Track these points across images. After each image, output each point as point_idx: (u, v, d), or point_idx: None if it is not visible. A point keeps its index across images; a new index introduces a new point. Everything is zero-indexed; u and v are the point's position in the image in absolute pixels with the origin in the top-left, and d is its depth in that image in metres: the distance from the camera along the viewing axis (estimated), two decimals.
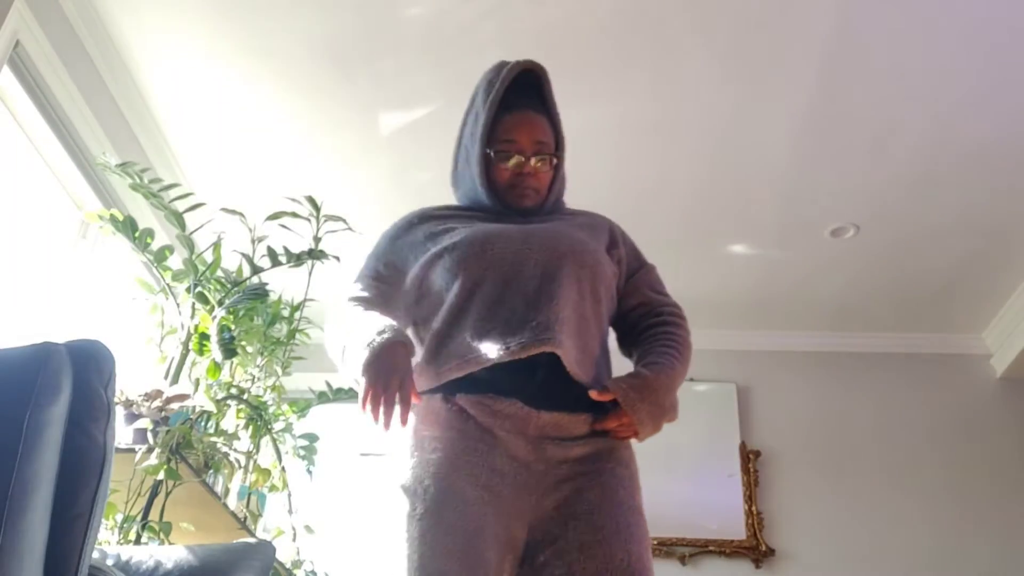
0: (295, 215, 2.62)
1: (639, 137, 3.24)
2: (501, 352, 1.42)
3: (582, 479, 1.43)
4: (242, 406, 2.55)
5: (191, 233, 2.60)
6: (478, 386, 1.44)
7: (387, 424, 1.32)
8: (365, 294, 1.59)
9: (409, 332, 1.57)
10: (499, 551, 1.35)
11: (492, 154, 1.62)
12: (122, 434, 2.23)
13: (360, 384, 1.38)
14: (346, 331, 1.49)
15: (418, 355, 1.53)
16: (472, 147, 1.64)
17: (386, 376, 1.35)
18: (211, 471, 2.35)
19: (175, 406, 2.29)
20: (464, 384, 1.45)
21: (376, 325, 1.44)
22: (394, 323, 1.45)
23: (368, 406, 1.33)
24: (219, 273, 2.61)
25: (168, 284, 2.58)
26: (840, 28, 2.79)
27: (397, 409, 1.35)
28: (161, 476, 2.14)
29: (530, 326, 1.44)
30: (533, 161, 1.63)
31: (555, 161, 1.67)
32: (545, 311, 1.46)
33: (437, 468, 1.38)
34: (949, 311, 4.19)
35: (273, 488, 2.70)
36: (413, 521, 1.34)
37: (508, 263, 1.51)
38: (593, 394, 1.46)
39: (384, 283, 1.61)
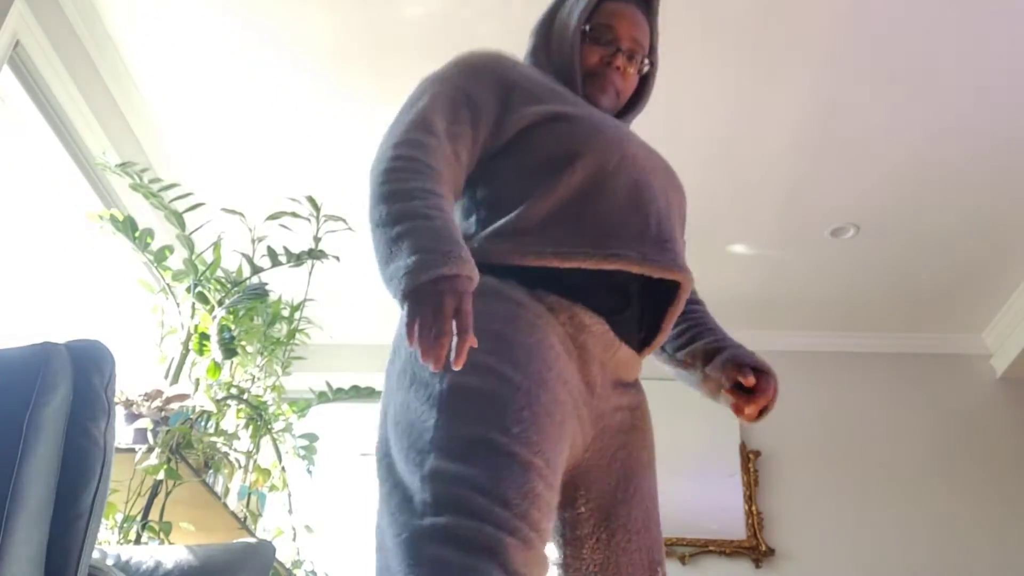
0: (295, 215, 2.62)
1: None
2: (636, 259, 1.22)
3: (632, 435, 1.29)
4: (242, 406, 2.55)
5: (191, 233, 2.60)
6: (569, 290, 1.20)
7: (439, 360, 1.01)
8: (434, 160, 1.22)
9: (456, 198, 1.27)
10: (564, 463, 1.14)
11: (587, 30, 1.46)
12: (122, 434, 2.23)
13: (401, 303, 1.06)
14: (399, 207, 1.13)
15: (473, 221, 1.27)
16: (570, 22, 1.48)
17: (438, 299, 1.03)
18: (211, 471, 2.35)
19: (175, 406, 2.29)
20: (547, 281, 1.19)
21: (438, 232, 1.09)
22: (461, 241, 1.10)
23: (416, 336, 1.02)
24: (219, 273, 2.61)
25: (168, 284, 2.58)
26: (840, 28, 2.79)
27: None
28: (161, 476, 2.14)
29: (666, 246, 1.27)
30: (623, 58, 1.48)
31: (645, 68, 1.53)
32: (675, 236, 1.31)
33: (529, 329, 1.14)
34: (949, 311, 4.19)
35: (273, 488, 2.70)
36: (494, 375, 1.07)
37: (640, 164, 1.32)
38: (748, 381, 1.35)
39: (457, 138, 1.28)
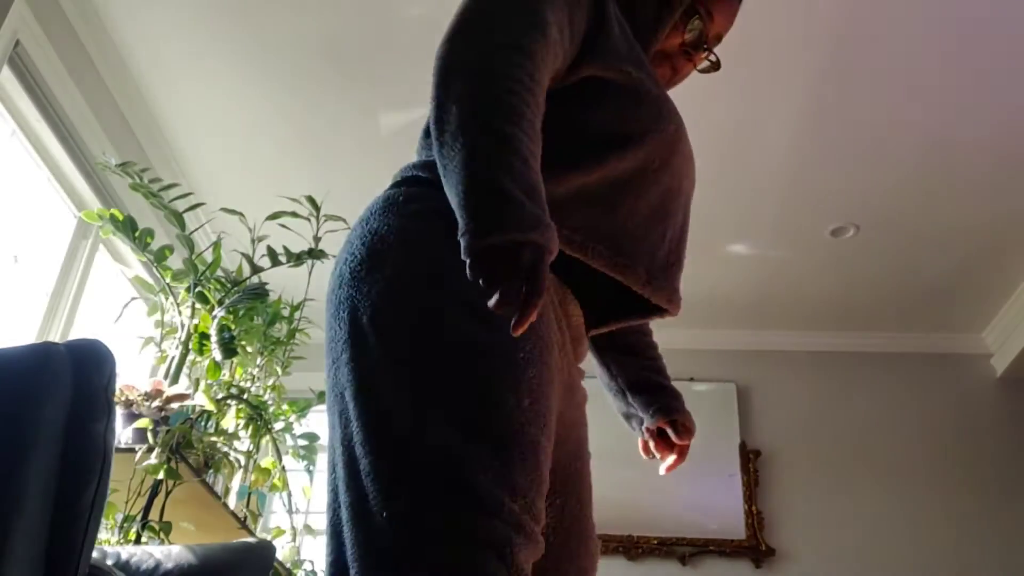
0: (295, 215, 2.62)
1: None
2: (643, 278, 1.10)
3: (583, 417, 1.21)
4: (242, 406, 2.55)
5: (191, 233, 2.60)
6: (564, 267, 1.06)
7: (525, 323, 0.85)
8: (541, 91, 0.98)
9: None
10: None
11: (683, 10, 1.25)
12: (122, 434, 2.23)
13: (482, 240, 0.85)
14: (512, 130, 0.91)
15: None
16: None
17: (538, 267, 0.86)
18: (211, 471, 2.35)
19: (175, 406, 2.29)
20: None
21: (538, 191, 0.90)
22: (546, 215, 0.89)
23: (495, 298, 0.85)
24: (219, 273, 2.61)
25: (168, 284, 2.58)
26: (840, 28, 2.79)
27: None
28: (161, 476, 2.14)
29: (671, 271, 1.18)
30: (702, 56, 1.32)
31: (701, 71, 1.33)
32: (682, 258, 1.22)
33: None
34: (949, 311, 4.19)
35: (273, 488, 2.70)
36: (506, 332, 0.88)
37: (679, 169, 1.18)
38: (681, 442, 1.37)
39: (556, 59, 1.04)
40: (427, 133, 1.15)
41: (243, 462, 2.58)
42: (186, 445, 2.25)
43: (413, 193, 1.05)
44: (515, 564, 0.86)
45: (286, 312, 2.82)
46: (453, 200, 0.90)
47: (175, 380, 2.47)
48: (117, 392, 2.23)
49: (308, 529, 2.75)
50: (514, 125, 0.91)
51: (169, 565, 1.54)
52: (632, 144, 1.09)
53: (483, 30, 0.98)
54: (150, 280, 2.93)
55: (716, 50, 1.37)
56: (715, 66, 1.36)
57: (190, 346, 2.53)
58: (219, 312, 2.49)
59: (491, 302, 0.85)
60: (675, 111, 1.19)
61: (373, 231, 1.01)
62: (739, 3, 1.36)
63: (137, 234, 2.52)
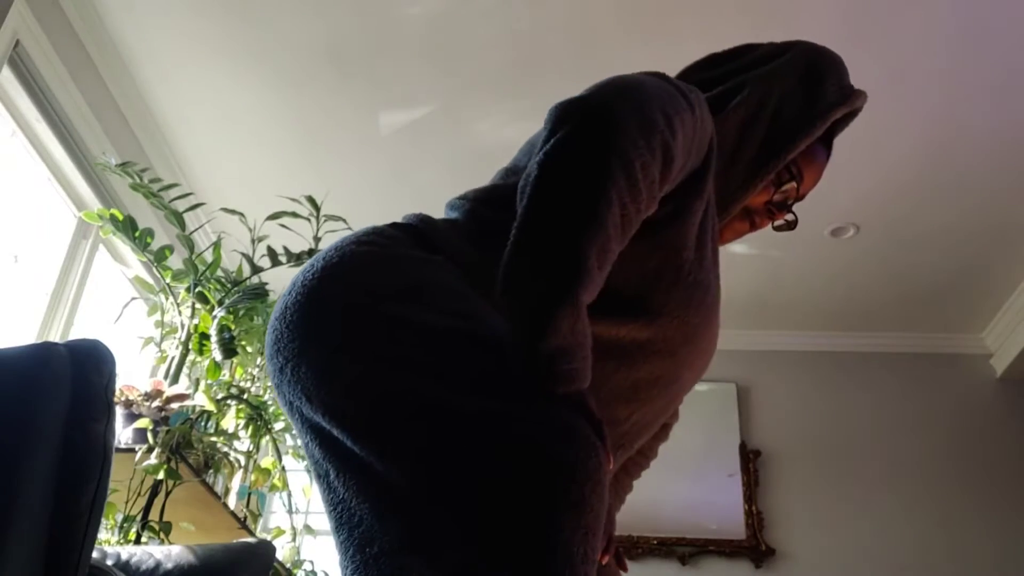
0: (295, 215, 2.62)
1: None
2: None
3: None
4: (242, 406, 2.55)
5: (191, 233, 2.61)
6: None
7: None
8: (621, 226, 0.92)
9: None
10: None
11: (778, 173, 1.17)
12: (122, 434, 2.23)
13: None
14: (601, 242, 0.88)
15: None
16: (783, 137, 1.15)
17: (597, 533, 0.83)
18: (211, 471, 2.35)
19: (175, 406, 2.29)
20: None
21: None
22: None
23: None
24: (219, 273, 2.61)
25: (168, 284, 2.58)
26: (839, 27, 2.79)
27: None
28: (161, 476, 2.14)
29: (618, 453, 1.14)
30: (784, 216, 1.23)
31: (776, 228, 1.26)
32: (633, 444, 1.18)
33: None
34: (949, 311, 4.19)
35: (273, 488, 2.70)
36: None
37: (684, 359, 1.13)
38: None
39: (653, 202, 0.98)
40: (504, 183, 1.11)
41: (243, 462, 2.59)
42: (186, 445, 2.25)
43: (388, 232, 1.06)
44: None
45: None
46: (513, 258, 0.88)
47: (175, 380, 2.47)
48: (117, 392, 2.23)
49: (308, 529, 2.75)
50: (600, 267, 0.88)
51: (169, 565, 1.54)
52: (643, 318, 1.03)
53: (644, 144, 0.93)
54: (150, 280, 2.94)
55: None
56: (791, 225, 1.26)
57: (190, 346, 2.53)
58: (219, 312, 2.49)
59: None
60: (710, 305, 1.12)
61: (338, 246, 1.04)
62: (826, 163, 1.29)
63: (137, 234, 2.52)
